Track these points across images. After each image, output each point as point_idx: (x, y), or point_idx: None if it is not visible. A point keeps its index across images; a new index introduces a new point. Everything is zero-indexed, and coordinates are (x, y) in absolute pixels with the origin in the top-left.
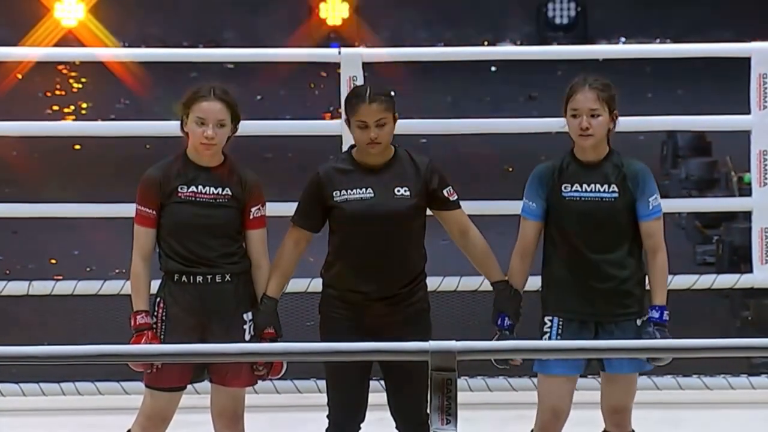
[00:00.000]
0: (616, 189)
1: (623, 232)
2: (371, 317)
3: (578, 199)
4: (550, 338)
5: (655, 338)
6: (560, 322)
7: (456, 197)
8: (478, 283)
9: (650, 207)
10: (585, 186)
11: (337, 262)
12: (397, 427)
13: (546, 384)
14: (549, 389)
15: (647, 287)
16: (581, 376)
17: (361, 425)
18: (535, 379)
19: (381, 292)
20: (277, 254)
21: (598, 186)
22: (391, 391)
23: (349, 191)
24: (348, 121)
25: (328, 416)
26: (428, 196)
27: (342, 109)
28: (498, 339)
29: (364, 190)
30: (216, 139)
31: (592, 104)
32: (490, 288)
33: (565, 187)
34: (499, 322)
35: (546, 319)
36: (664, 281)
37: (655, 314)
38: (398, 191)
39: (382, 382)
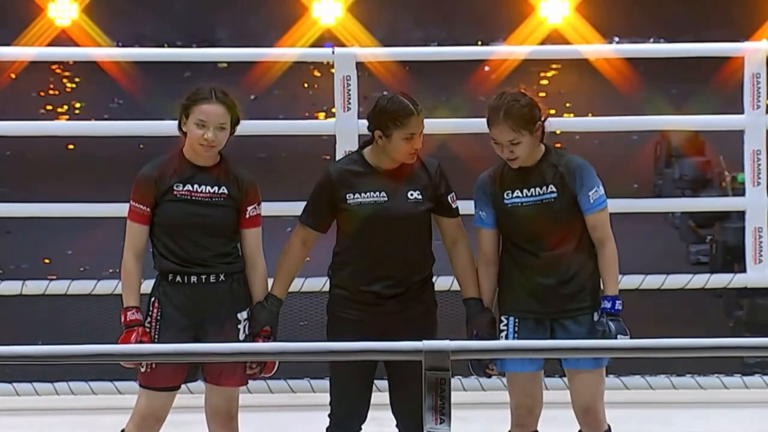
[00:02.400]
0: (554, 189)
1: (568, 230)
2: (381, 316)
3: (520, 204)
4: (507, 336)
5: (609, 329)
6: (516, 321)
7: (457, 206)
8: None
9: (591, 200)
10: (525, 191)
11: (349, 262)
12: (397, 426)
13: (512, 382)
14: (515, 386)
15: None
16: (547, 375)
17: (362, 426)
18: None
19: (393, 290)
20: (283, 253)
21: (537, 189)
22: (393, 391)
23: (362, 194)
24: (383, 133)
25: (329, 415)
26: (436, 199)
27: (368, 119)
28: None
29: (377, 193)
30: (215, 142)
31: (509, 136)
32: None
33: (506, 194)
34: (474, 338)
35: (502, 317)
36: (615, 272)
37: (607, 304)
38: (411, 195)
39: (382, 383)
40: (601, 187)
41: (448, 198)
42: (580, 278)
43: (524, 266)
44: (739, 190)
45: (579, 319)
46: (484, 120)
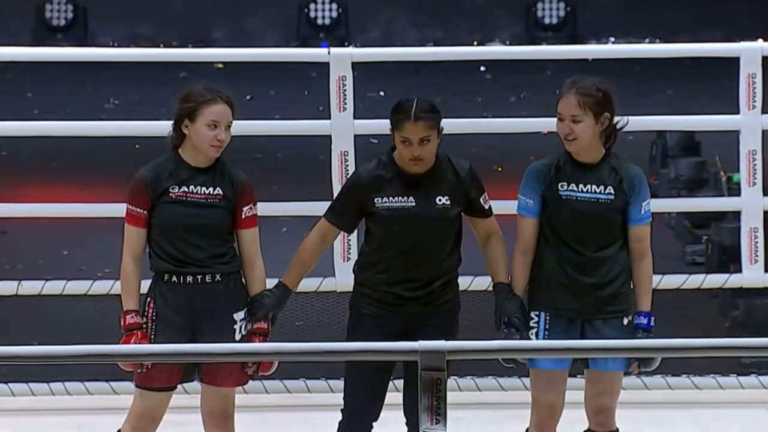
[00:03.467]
0: (612, 191)
1: (615, 233)
2: (403, 316)
3: (575, 198)
4: (537, 333)
5: None
6: (547, 318)
7: (489, 204)
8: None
9: (642, 212)
10: (582, 186)
11: (374, 262)
12: (406, 425)
13: (538, 380)
14: (542, 385)
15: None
16: (570, 375)
17: (374, 424)
18: (524, 379)
19: (415, 292)
20: (300, 247)
21: (594, 187)
22: (406, 390)
23: (390, 198)
24: (392, 132)
25: (342, 410)
26: (467, 203)
27: (390, 121)
28: (506, 336)
29: (406, 198)
30: (226, 141)
31: (573, 110)
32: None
33: (561, 186)
34: (504, 320)
35: (533, 314)
36: (650, 287)
37: (643, 320)
38: (439, 201)
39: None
40: (650, 201)
41: (481, 200)
42: (619, 281)
43: (567, 263)
44: (734, 191)
45: (611, 321)
46: (482, 120)
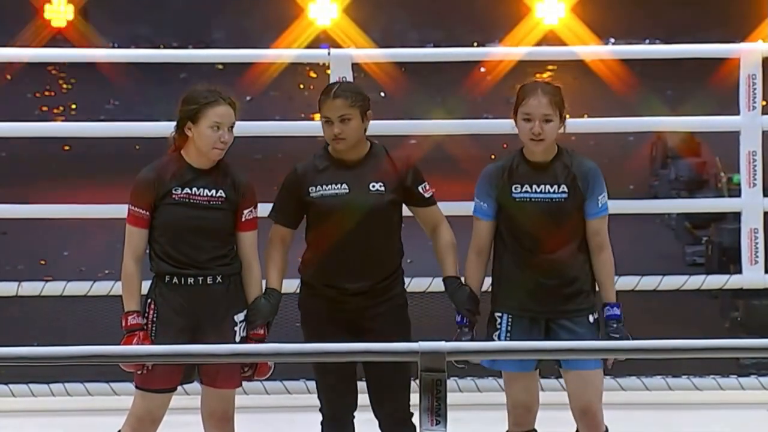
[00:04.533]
0: (565, 189)
1: (572, 231)
2: (349, 312)
3: (528, 200)
4: (500, 334)
5: (624, 336)
6: (510, 318)
7: (431, 193)
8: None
9: (599, 205)
10: (535, 187)
11: (314, 257)
12: (380, 427)
13: (508, 381)
14: (512, 385)
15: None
16: (543, 376)
17: (354, 414)
18: None
19: (357, 286)
20: (266, 253)
21: (547, 187)
22: (372, 390)
23: (324, 186)
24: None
25: (320, 409)
26: (404, 191)
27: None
28: (457, 337)
29: (339, 185)
30: (229, 142)
31: (545, 110)
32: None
33: (515, 188)
34: (457, 319)
35: (496, 315)
36: (612, 278)
37: (615, 311)
38: (373, 186)
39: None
40: (607, 194)
41: (419, 188)
42: (580, 280)
43: (525, 264)
44: (734, 192)
45: (576, 320)
46: (480, 121)
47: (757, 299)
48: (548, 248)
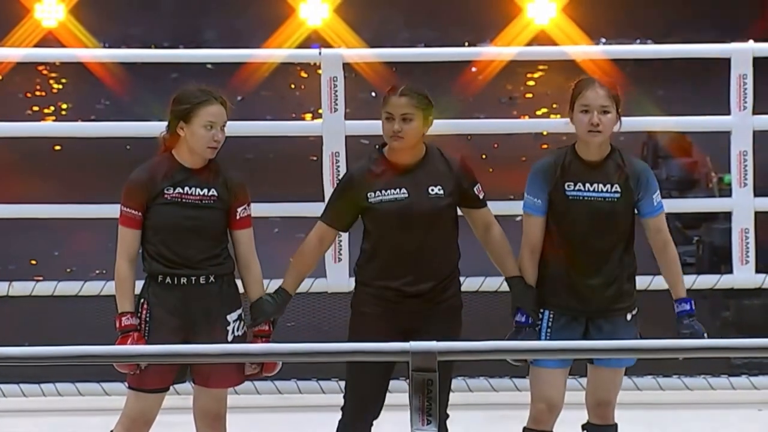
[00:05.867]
0: (618, 189)
1: (622, 231)
2: (405, 314)
3: (581, 198)
4: (540, 330)
5: (695, 330)
6: (551, 315)
7: (483, 195)
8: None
9: (655, 203)
10: (588, 185)
11: (373, 260)
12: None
13: (538, 376)
14: (541, 381)
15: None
16: (571, 374)
17: (373, 422)
18: (516, 380)
19: (415, 288)
20: (299, 251)
21: (600, 185)
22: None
23: (383, 192)
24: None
25: (342, 408)
26: (460, 194)
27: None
28: (514, 334)
29: (398, 190)
30: (221, 142)
31: (604, 101)
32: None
33: (568, 185)
34: (517, 318)
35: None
36: (680, 272)
37: (687, 306)
38: (432, 190)
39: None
40: (660, 192)
41: (474, 190)
42: (623, 280)
43: (572, 263)
44: (725, 191)
45: (614, 319)
46: (474, 121)
47: (748, 299)
48: (597, 248)
